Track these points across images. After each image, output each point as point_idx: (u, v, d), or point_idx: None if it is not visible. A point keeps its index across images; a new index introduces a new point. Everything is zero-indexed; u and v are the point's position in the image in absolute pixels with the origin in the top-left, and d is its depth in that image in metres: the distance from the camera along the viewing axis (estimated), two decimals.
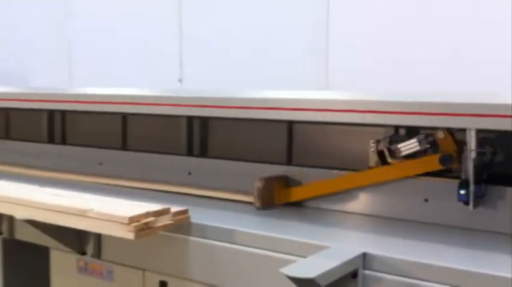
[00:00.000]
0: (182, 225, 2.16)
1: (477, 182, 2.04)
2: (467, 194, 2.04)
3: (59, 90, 3.35)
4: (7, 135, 3.82)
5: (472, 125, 1.98)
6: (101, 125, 3.35)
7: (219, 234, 2.10)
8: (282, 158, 2.63)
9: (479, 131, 2.03)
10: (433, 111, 2.02)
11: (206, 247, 2.12)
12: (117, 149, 3.18)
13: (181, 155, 2.92)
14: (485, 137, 2.13)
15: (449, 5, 3.89)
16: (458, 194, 2.05)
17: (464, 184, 2.05)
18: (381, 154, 2.29)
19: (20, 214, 2.28)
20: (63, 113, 3.50)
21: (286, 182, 2.51)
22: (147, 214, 2.04)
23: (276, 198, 2.46)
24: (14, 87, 3.96)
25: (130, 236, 1.96)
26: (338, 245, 1.87)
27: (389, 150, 2.26)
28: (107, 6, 4.73)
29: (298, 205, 2.47)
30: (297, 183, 2.49)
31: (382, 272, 1.77)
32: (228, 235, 2.08)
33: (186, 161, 2.88)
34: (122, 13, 4.64)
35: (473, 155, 2.04)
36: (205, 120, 2.90)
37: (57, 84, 4.82)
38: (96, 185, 3.00)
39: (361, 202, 2.36)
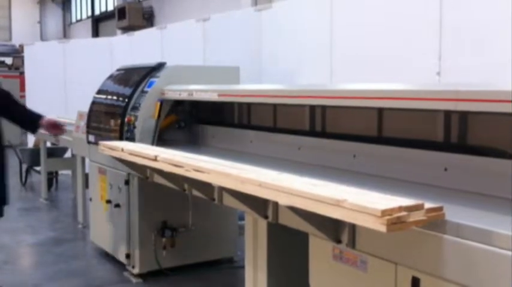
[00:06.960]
0: (436, 222, 2.10)
1: (187, 123, 4.98)
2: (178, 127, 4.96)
3: (318, 87, 3.51)
4: (274, 129, 4.16)
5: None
6: (357, 119, 3.44)
7: (476, 234, 1.99)
8: None
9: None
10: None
11: (462, 246, 2.02)
12: (371, 142, 3.23)
13: (437, 151, 2.83)
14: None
15: None
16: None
17: (177, 123, 4.96)
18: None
19: (282, 200, 2.46)
20: (323, 108, 3.68)
21: None
22: (400, 208, 2.02)
23: None
24: (280, 85, 4.29)
25: (382, 228, 1.96)
26: None
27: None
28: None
29: None
30: None
31: None
32: (485, 236, 1.96)
33: (442, 156, 2.78)
34: (380, 6, 4.64)
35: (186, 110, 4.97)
36: (464, 115, 2.76)
37: (319, 81, 5.05)
38: (349, 176, 3.09)
39: None
